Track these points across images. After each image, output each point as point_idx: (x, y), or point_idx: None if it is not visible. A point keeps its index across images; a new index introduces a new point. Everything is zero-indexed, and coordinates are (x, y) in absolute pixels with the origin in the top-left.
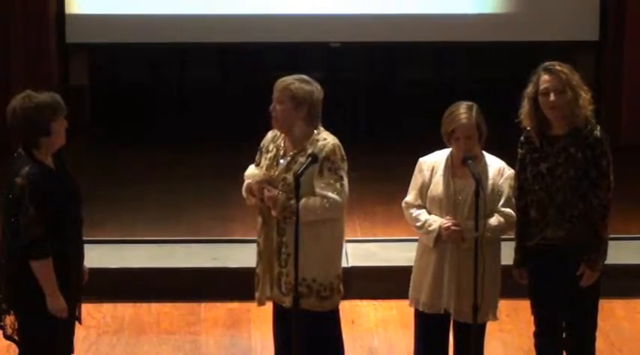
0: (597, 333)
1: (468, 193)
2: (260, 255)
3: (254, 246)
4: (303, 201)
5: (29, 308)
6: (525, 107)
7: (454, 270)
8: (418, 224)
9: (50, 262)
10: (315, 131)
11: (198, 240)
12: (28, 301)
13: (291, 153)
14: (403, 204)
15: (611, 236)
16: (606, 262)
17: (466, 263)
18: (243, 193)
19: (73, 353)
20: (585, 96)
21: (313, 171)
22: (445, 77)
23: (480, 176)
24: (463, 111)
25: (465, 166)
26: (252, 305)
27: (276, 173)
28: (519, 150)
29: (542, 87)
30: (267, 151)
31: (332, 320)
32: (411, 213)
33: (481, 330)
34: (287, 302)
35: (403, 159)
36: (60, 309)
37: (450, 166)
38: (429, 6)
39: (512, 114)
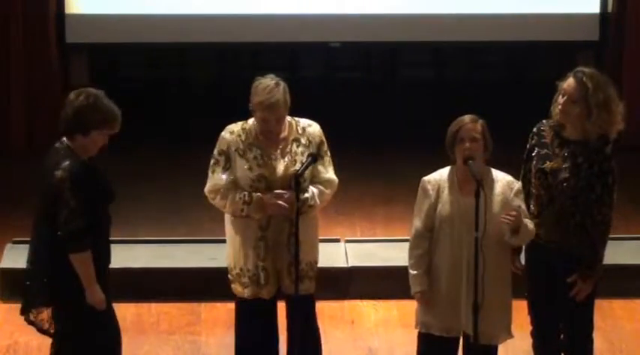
0: (595, 334)
1: (480, 210)
2: (267, 250)
3: None
4: (316, 191)
5: (68, 302)
6: (556, 97)
7: (472, 292)
8: (410, 263)
9: (89, 255)
10: (288, 118)
11: (198, 240)
12: (66, 295)
13: (280, 147)
14: (413, 231)
15: (611, 236)
16: (606, 262)
17: (483, 284)
18: (253, 208)
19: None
20: (603, 116)
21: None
22: (445, 77)
23: (480, 176)
24: (468, 117)
25: (466, 166)
26: None
27: (281, 170)
28: (529, 140)
29: (562, 86)
30: (243, 153)
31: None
32: (415, 245)
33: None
34: (304, 289)
35: (403, 159)
36: (98, 301)
37: (457, 183)
38: (428, 6)
39: (511, 113)
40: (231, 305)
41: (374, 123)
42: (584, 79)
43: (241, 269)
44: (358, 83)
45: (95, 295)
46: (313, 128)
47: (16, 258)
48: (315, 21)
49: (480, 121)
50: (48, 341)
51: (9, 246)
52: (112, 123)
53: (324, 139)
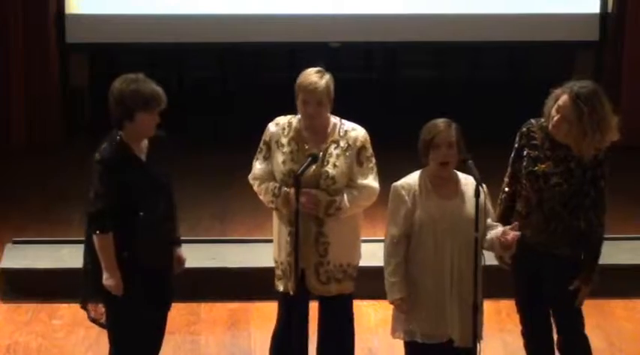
0: (594, 334)
1: (462, 212)
2: (291, 245)
3: (254, 245)
4: (347, 195)
5: (103, 295)
6: (549, 102)
7: (456, 295)
8: (389, 270)
9: (109, 238)
10: (335, 120)
11: (198, 239)
12: (101, 288)
13: (323, 146)
14: (389, 238)
15: (611, 236)
16: (606, 262)
17: (467, 286)
18: (279, 202)
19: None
20: (597, 137)
21: (351, 161)
22: (445, 77)
23: (480, 176)
24: (442, 121)
25: (465, 167)
26: (252, 305)
27: (311, 168)
28: (517, 140)
29: (557, 103)
30: (282, 146)
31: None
32: (392, 252)
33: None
34: (332, 290)
35: (403, 159)
36: (113, 286)
37: (432, 187)
38: (428, 6)
39: (511, 113)
40: (230, 305)
41: (374, 123)
42: (579, 101)
43: (276, 261)
44: (358, 83)
45: (110, 279)
46: (356, 132)
47: (16, 257)
48: (315, 21)
49: (454, 125)
50: (48, 341)
51: (9, 246)
52: (155, 102)
53: (367, 145)
